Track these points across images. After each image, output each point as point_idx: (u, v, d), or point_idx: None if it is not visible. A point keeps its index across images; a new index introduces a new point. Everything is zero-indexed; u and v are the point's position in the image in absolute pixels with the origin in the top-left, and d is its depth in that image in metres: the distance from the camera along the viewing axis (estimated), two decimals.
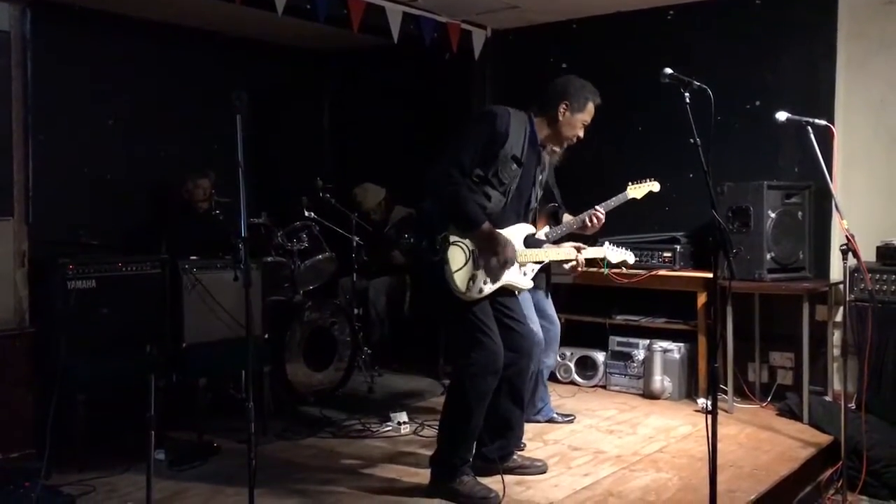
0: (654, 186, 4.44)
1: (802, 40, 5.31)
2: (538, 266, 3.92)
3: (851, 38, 5.16)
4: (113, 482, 3.78)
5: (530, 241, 3.78)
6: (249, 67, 6.67)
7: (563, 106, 3.66)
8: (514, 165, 3.56)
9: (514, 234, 3.67)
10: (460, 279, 3.49)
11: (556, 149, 3.78)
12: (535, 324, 4.35)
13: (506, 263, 3.56)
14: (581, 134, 3.74)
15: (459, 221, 3.49)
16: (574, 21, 6.19)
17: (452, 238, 3.48)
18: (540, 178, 3.78)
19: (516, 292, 3.80)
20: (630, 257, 4.17)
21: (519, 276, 3.76)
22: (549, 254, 3.90)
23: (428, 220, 3.59)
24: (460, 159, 3.49)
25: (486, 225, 3.47)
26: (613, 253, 4.10)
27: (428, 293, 3.76)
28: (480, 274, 3.54)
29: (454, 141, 3.57)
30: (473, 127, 3.61)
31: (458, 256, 3.48)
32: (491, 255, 3.52)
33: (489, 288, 3.60)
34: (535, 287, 4.54)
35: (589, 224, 4.28)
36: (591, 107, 3.71)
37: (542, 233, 4.35)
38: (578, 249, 3.94)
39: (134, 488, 3.66)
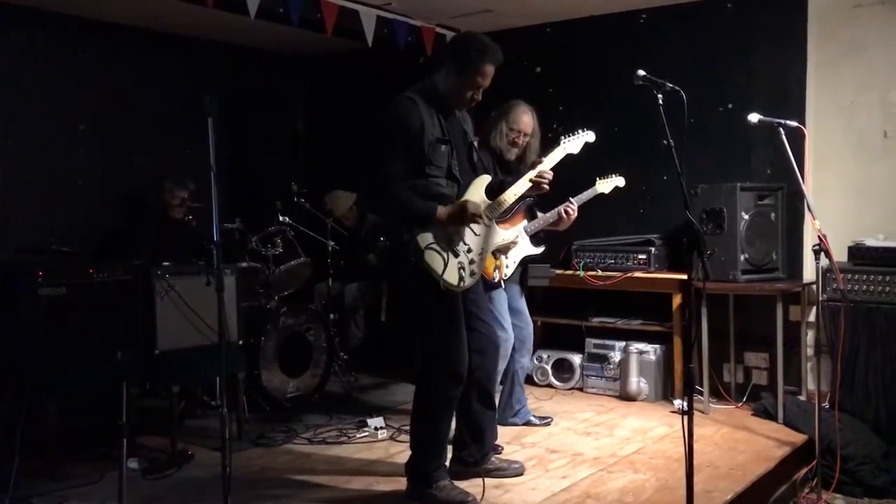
0: (620, 181, 4.59)
1: (774, 43, 5.36)
2: (522, 227, 3.89)
3: (822, 41, 5.21)
4: (85, 492, 3.71)
5: (492, 189, 3.65)
6: (224, 72, 6.63)
7: (450, 66, 3.46)
8: (442, 147, 3.47)
9: (473, 192, 3.57)
10: (450, 276, 3.42)
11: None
12: (507, 323, 4.35)
13: (475, 217, 3.44)
14: (478, 97, 3.51)
15: (414, 222, 3.41)
16: (548, 25, 6.22)
17: (423, 244, 3.38)
18: (467, 128, 3.68)
19: (499, 281, 3.73)
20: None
21: (501, 234, 3.72)
22: (516, 189, 3.66)
23: (395, 235, 3.51)
24: (391, 171, 3.39)
25: (439, 210, 3.40)
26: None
27: (406, 295, 3.61)
28: (464, 257, 3.47)
29: (378, 153, 3.43)
30: (388, 137, 3.43)
31: (436, 259, 3.40)
32: (459, 225, 3.45)
33: (477, 265, 3.53)
34: (510, 285, 4.55)
35: (564, 216, 4.30)
36: (484, 68, 3.41)
37: (519, 227, 4.36)
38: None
39: (107, 497, 3.59)
